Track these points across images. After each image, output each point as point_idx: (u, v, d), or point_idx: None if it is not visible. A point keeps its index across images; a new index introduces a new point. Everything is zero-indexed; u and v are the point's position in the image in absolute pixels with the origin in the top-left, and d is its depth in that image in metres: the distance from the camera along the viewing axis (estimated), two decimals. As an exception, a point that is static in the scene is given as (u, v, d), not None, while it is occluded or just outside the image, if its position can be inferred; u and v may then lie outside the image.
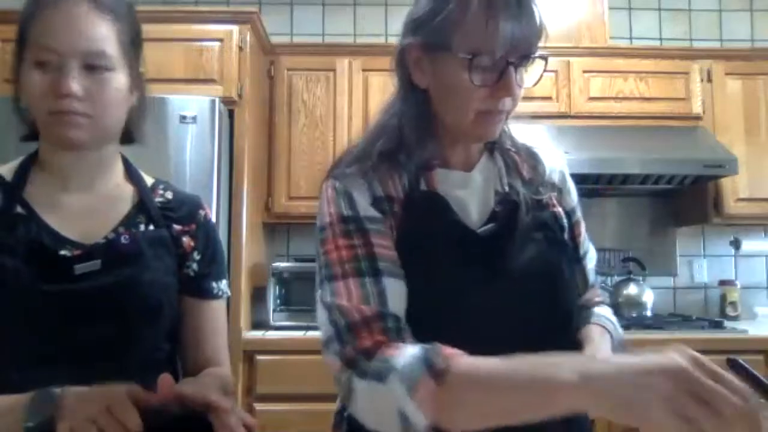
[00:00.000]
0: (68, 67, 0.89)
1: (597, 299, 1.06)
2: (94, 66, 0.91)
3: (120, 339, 0.93)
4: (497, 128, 0.90)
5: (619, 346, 0.98)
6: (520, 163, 0.99)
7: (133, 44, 0.98)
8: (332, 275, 0.84)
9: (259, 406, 2.36)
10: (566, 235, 0.97)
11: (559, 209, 0.98)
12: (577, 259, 1.01)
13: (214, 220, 1.12)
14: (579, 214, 1.03)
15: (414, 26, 0.90)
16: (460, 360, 0.71)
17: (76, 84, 0.89)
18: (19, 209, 0.93)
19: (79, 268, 0.90)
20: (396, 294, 0.83)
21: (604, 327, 0.97)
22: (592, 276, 1.06)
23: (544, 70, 0.88)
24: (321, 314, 0.84)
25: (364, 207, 0.87)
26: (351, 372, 0.77)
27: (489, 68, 0.84)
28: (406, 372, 0.71)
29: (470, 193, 0.93)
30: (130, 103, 0.99)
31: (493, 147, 0.98)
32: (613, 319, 1.01)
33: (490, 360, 0.69)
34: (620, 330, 1.01)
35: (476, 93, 0.85)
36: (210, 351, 1.05)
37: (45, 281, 0.88)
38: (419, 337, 0.81)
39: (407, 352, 0.74)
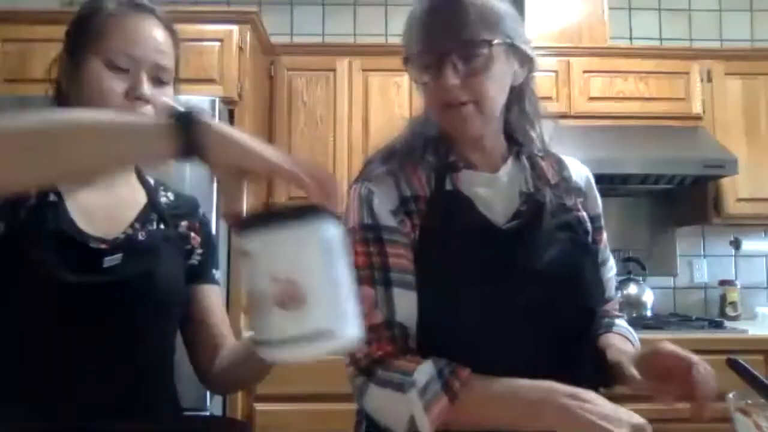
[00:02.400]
0: (141, 73, 0.97)
1: (615, 312, 1.06)
2: (158, 78, 0.99)
3: (141, 327, 0.97)
4: (467, 121, 0.91)
5: None
6: (547, 167, 1.00)
7: (178, 64, 1.06)
8: None
9: (259, 406, 2.36)
10: (589, 239, 0.99)
11: (584, 213, 1.00)
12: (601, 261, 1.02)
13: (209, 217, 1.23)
14: (602, 222, 1.03)
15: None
16: (474, 382, 0.81)
17: (149, 90, 0.97)
18: (52, 196, 0.96)
19: (108, 261, 0.95)
20: (404, 304, 0.87)
21: (625, 336, 0.99)
22: (611, 288, 1.05)
23: (493, 56, 0.88)
24: None
25: (385, 216, 0.91)
26: (366, 379, 0.86)
27: (431, 65, 0.89)
28: (425, 389, 0.81)
29: (495, 193, 0.95)
30: None
31: (520, 150, 0.99)
32: (632, 331, 1.03)
33: (499, 383, 0.81)
34: (638, 343, 1.01)
35: (433, 90, 0.90)
36: (221, 326, 1.12)
37: (74, 272, 0.91)
38: (441, 331, 0.86)
39: (426, 369, 0.83)
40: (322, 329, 0.62)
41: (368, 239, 0.90)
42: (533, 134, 0.99)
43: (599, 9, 2.97)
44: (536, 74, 1.00)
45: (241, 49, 2.48)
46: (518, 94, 0.97)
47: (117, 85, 0.96)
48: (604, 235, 1.04)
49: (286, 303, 0.61)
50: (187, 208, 1.13)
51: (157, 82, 1.00)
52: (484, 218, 0.91)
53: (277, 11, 3.17)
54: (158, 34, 1.01)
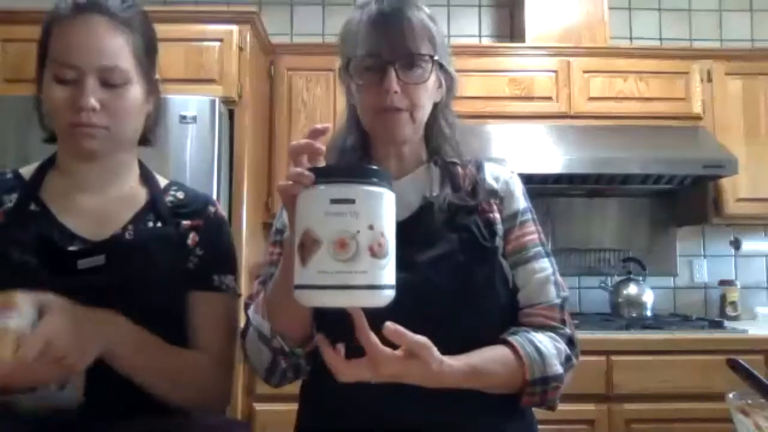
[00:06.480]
0: (86, 82, 0.93)
1: (544, 321, 0.96)
2: (109, 81, 0.95)
3: None
4: (399, 127, 0.96)
5: (542, 382, 0.90)
6: (462, 175, 1.03)
7: (148, 53, 1.02)
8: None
9: (259, 406, 2.36)
10: (498, 240, 0.98)
11: (495, 215, 1.00)
12: (514, 263, 0.99)
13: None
14: (518, 221, 1.01)
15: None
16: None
17: (93, 99, 0.93)
18: (33, 207, 0.98)
19: (83, 263, 0.93)
20: None
21: (513, 347, 0.90)
22: (540, 292, 0.98)
23: (432, 69, 0.96)
24: None
25: (282, 220, 1.03)
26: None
27: (374, 69, 0.95)
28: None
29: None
30: (146, 110, 1.04)
31: (434, 160, 1.03)
32: (548, 348, 0.92)
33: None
34: (555, 366, 0.91)
35: (372, 93, 0.95)
36: (205, 341, 1.02)
37: (51, 275, 0.91)
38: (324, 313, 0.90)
39: None
40: (389, 284, 0.71)
41: (276, 241, 1.03)
42: (448, 146, 1.04)
43: (599, 9, 2.97)
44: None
45: (241, 49, 2.48)
46: (438, 110, 1.04)
47: (64, 98, 0.94)
48: (531, 236, 1.00)
49: (376, 252, 0.68)
50: (194, 206, 1.07)
51: (107, 83, 0.95)
52: None
53: (277, 11, 3.17)
54: (102, 33, 0.94)
